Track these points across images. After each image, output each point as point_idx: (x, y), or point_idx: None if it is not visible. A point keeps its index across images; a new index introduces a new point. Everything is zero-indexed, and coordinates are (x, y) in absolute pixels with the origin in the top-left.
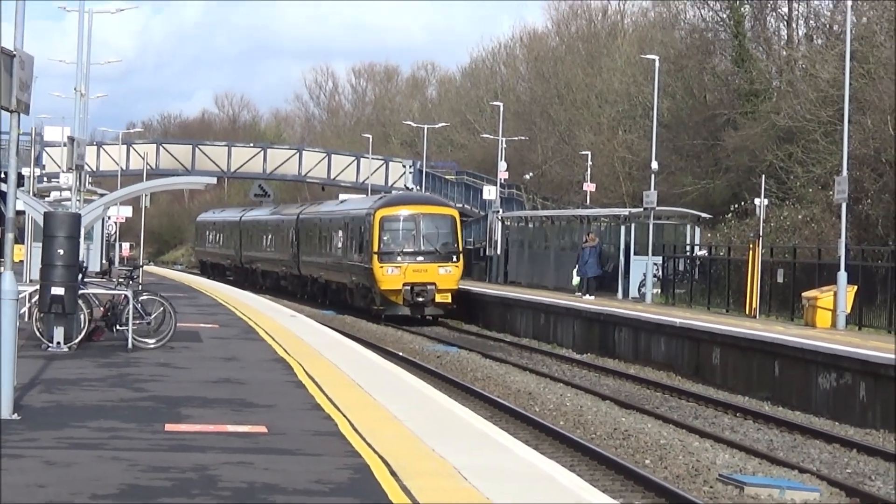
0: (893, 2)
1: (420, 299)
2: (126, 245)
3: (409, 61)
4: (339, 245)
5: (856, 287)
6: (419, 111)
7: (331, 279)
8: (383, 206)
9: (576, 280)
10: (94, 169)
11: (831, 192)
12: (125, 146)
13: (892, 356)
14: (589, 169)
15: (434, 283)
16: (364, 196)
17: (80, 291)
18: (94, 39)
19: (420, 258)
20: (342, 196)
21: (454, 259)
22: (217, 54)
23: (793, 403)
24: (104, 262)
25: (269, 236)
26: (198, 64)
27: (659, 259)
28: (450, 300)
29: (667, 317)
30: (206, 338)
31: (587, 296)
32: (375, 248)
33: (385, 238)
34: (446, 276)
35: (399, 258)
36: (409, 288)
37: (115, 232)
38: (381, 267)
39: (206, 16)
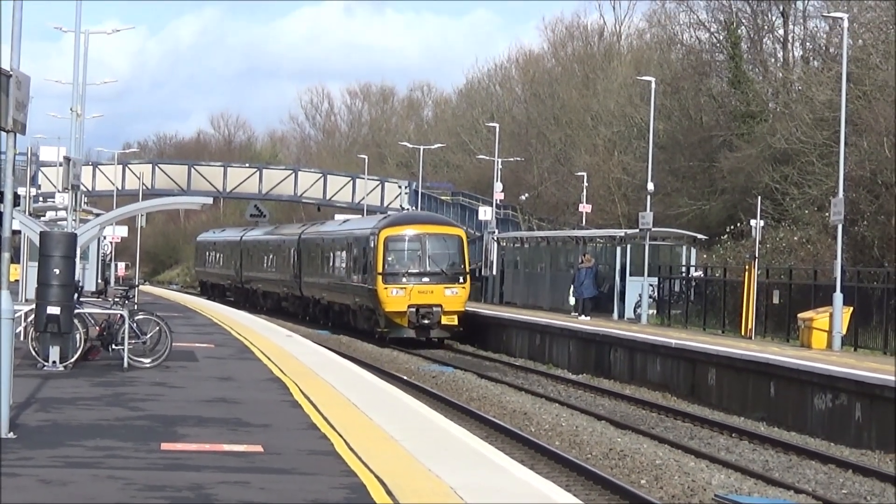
0: (893, 26)
1: (425, 321)
2: (122, 265)
3: (405, 82)
4: (342, 265)
5: (851, 308)
6: (415, 132)
7: (333, 300)
8: (388, 225)
9: (572, 300)
10: (90, 189)
11: (827, 214)
12: (121, 166)
13: (888, 377)
14: (585, 190)
15: (440, 305)
16: (368, 215)
17: (76, 311)
18: (91, 60)
19: (426, 279)
20: (338, 216)
21: (461, 280)
22: (213, 75)
23: (788, 424)
24: (100, 281)
25: (270, 256)
26: (194, 85)
27: (655, 280)
28: (456, 322)
29: (662, 337)
30: (201, 357)
31: (583, 316)
32: (379, 269)
33: (389, 258)
34: (453, 298)
35: (404, 279)
36: (414, 310)
37: (111, 251)
38: (386, 288)
39: (201, 37)
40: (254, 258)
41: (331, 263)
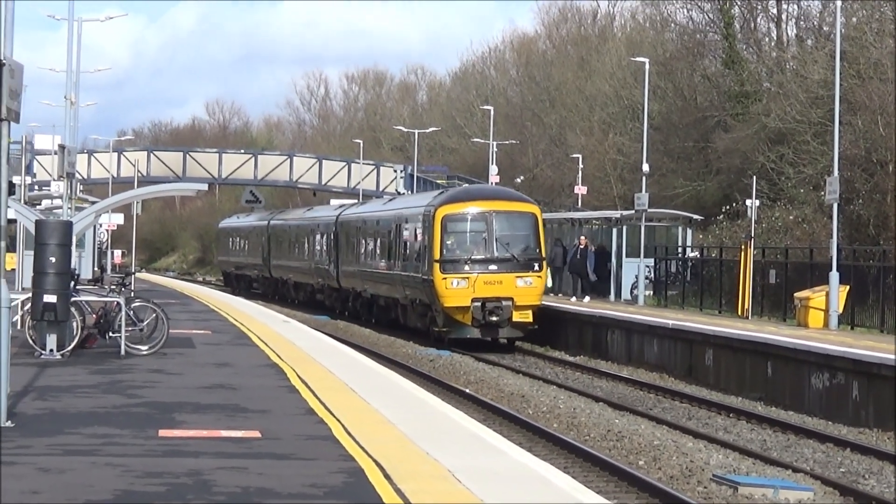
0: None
1: (493, 318)
2: (118, 252)
3: (404, 67)
4: (389, 252)
5: (848, 287)
6: (410, 116)
7: (378, 293)
8: (446, 202)
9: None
10: (86, 177)
11: (822, 193)
12: (116, 154)
13: (885, 356)
14: (580, 172)
15: (511, 299)
16: (421, 192)
17: (73, 299)
18: (91, 49)
19: (493, 267)
20: (334, 201)
21: (536, 268)
22: (211, 62)
23: (786, 403)
24: (96, 269)
25: (303, 243)
26: (192, 72)
27: (651, 261)
28: (530, 319)
29: (659, 318)
30: (198, 344)
31: (585, 298)
32: (437, 256)
33: (449, 242)
34: (526, 290)
35: (466, 267)
36: (479, 304)
37: (107, 239)
38: (444, 279)
39: (200, 24)
40: (283, 245)
41: (375, 249)
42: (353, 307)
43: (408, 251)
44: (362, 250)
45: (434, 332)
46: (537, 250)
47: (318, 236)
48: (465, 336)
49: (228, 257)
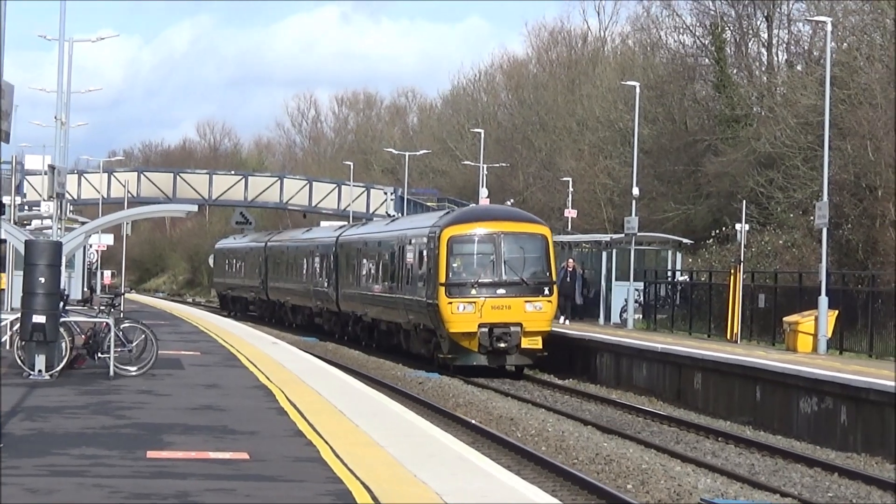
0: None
1: (501, 345)
2: (107, 273)
3: (393, 89)
4: (391, 274)
5: (837, 312)
6: (400, 138)
7: (379, 318)
8: (451, 223)
9: None
10: (76, 197)
11: (812, 218)
12: (106, 174)
13: (874, 380)
14: (570, 195)
15: (520, 324)
16: (425, 213)
17: (62, 319)
18: (86, 70)
19: (501, 291)
20: (324, 223)
21: (546, 292)
22: (205, 83)
23: (774, 428)
24: (86, 289)
25: (301, 265)
26: (185, 93)
27: (640, 284)
28: (540, 345)
29: (648, 342)
30: (187, 365)
31: (567, 321)
32: (442, 279)
33: (455, 265)
34: (535, 315)
35: (473, 291)
36: (486, 330)
37: (97, 260)
38: (450, 303)
39: (193, 45)
40: (281, 267)
41: (376, 272)
42: (353, 331)
43: (411, 274)
44: (363, 273)
45: (439, 359)
46: (548, 273)
47: (316, 258)
48: (472, 363)
49: (224, 279)
